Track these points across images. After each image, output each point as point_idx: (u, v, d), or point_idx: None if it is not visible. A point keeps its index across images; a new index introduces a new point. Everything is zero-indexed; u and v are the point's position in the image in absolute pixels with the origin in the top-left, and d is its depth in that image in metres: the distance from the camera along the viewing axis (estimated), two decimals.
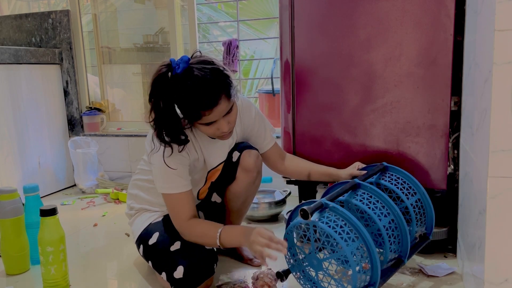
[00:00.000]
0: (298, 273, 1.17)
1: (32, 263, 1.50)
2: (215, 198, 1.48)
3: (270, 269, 1.29)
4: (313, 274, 1.13)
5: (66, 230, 1.35)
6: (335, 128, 1.50)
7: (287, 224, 1.23)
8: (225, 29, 3.36)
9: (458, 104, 1.41)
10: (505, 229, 0.90)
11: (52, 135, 2.52)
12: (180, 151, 1.22)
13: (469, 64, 1.22)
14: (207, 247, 1.24)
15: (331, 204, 1.09)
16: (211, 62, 1.16)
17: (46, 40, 2.62)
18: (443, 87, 1.36)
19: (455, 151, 1.44)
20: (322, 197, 1.32)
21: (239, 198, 1.42)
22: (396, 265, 1.20)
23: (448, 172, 1.42)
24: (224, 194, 1.45)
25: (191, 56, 1.17)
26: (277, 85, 2.17)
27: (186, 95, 1.12)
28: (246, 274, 1.40)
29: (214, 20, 3.37)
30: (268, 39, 3.15)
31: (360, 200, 1.17)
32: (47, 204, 1.32)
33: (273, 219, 1.93)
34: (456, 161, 1.44)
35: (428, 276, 1.33)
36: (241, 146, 1.39)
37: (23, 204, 1.46)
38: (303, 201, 1.11)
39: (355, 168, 1.37)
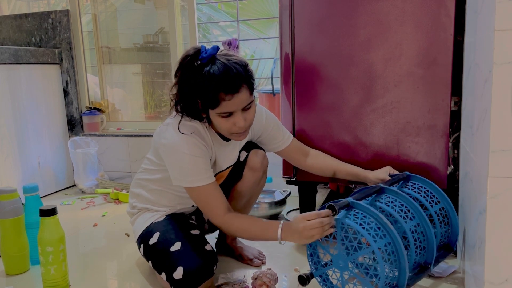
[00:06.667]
0: (322, 276, 1.15)
1: (32, 263, 1.50)
2: None
3: (270, 269, 1.29)
4: (338, 275, 1.09)
5: (66, 230, 1.35)
6: (335, 128, 1.50)
7: None
8: (225, 29, 3.36)
9: (458, 104, 1.41)
10: (505, 229, 0.90)
11: (52, 135, 2.52)
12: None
13: (469, 64, 1.22)
14: (208, 248, 1.24)
15: (358, 202, 1.07)
16: (237, 57, 1.19)
17: (46, 40, 2.61)
18: (443, 87, 1.36)
19: (455, 151, 1.44)
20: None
21: (244, 197, 1.43)
22: (422, 271, 1.17)
23: (448, 172, 1.42)
24: (229, 194, 1.45)
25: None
26: (277, 85, 2.17)
27: (209, 77, 1.13)
28: (246, 274, 1.40)
29: (214, 20, 3.37)
30: (268, 39, 3.15)
31: (385, 203, 1.16)
32: (47, 204, 1.32)
33: (273, 219, 1.93)
34: (456, 161, 1.44)
35: (428, 276, 1.33)
36: (249, 146, 1.41)
37: (23, 204, 1.46)
38: (329, 202, 1.09)
39: (386, 173, 1.36)
